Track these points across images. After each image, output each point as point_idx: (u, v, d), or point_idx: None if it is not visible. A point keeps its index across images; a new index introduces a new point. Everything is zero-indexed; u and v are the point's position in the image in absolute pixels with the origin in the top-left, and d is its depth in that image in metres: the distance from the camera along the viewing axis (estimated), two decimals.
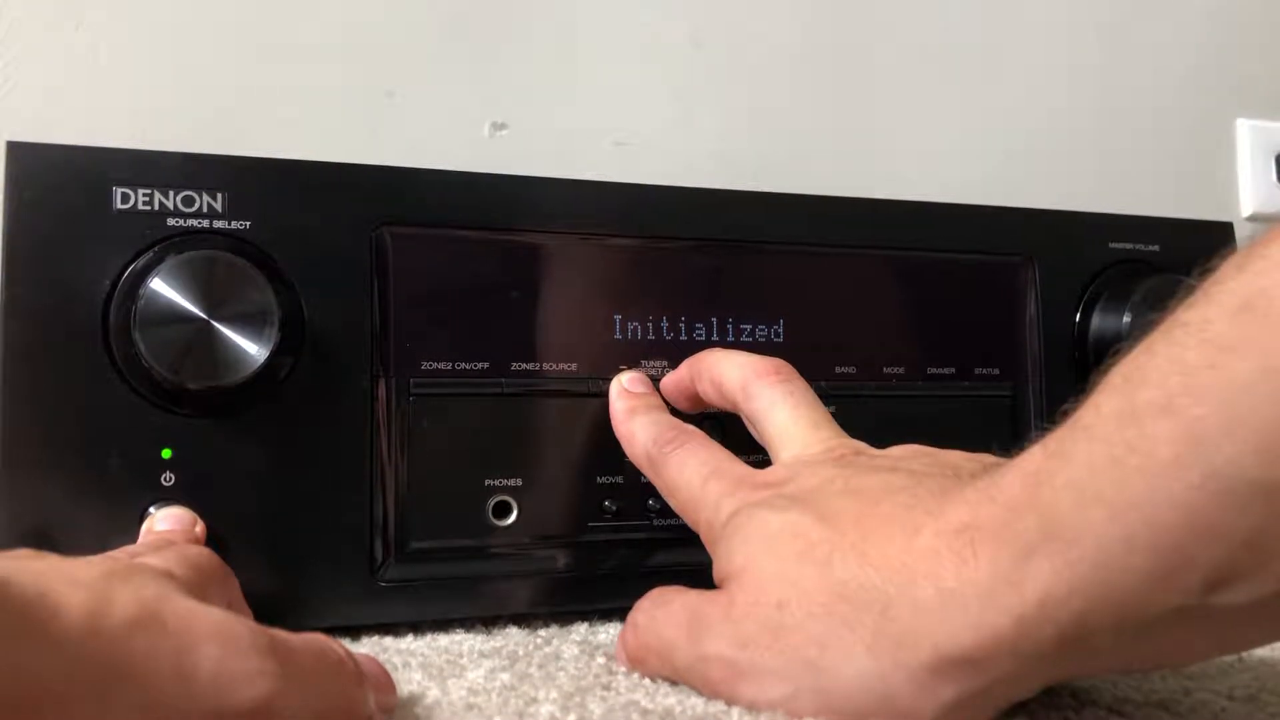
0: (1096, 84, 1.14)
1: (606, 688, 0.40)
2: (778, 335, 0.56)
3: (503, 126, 0.95)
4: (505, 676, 0.41)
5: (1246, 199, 1.18)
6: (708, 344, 0.55)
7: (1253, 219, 1.17)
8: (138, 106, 0.86)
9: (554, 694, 0.39)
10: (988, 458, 0.40)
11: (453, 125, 0.93)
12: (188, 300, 0.45)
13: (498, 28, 0.95)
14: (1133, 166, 1.14)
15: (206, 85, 0.88)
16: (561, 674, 0.42)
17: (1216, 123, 1.19)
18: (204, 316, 0.45)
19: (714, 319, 0.55)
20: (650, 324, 0.54)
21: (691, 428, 0.49)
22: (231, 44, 0.89)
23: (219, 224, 0.48)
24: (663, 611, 0.41)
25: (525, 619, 0.52)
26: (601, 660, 0.44)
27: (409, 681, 0.40)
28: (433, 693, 0.39)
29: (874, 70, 1.07)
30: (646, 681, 0.41)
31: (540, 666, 0.43)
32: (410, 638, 0.48)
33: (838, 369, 0.57)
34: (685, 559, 0.54)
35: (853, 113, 1.06)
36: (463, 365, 0.51)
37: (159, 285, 0.45)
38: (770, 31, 1.04)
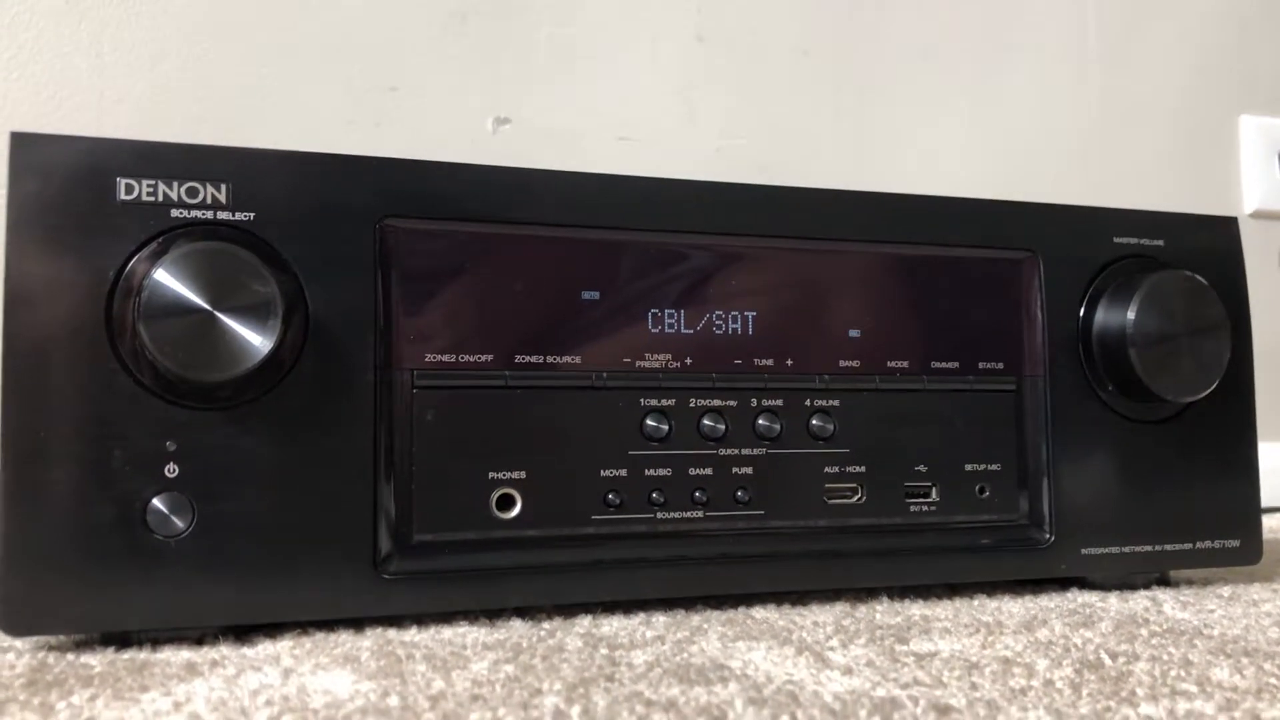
0: (1101, 81, 1.14)
1: (610, 679, 0.40)
2: (781, 329, 0.56)
3: (506, 121, 0.95)
4: (509, 668, 0.41)
5: (1250, 195, 1.18)
6: (711, 337, 0.55)
7: (1256, 215, 1.17)
8: (141, 100, 0.86)
9: (558, 685, 0.39)
10: None
11: (456, 120, 0.93)
12: (192, 292, 0.45)
13: (501, 23, 0.95)
14: (1137, 163, 1.14)
15: (210, 80, 0.88)
16: (565, 665, 0.42)
17: (1220, 119, 1.18)
18: (208, 308, 0.45)
19: (717, 312, 0.55)
20: (653, 316, 0.54)
21: None
22: (235, 39, 0.88)
23: (223, 215, 0.48)
24: None
25: (529, 611, 0.52)
26: (605, 651, 0.44)
27: (414, 674, 0.40)
28: (437, 684, 0.39)
29: (879, 64, 1.07)
30: (651, 673, 0.41)
31: (544, 658, 0.43)
32: (414, 630, 0.48)
33: (842, 363, 0.57)
34: (688, 552, 0.54)
35: (857, 106, 1.06)
36: (466, 358, 0.51)
37: (163, 277, 0.45)
38: (774, 25, 1.04)
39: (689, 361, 0.54)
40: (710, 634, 0.48)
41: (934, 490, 0.58)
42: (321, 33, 0.91)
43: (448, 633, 0.48)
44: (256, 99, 0.89)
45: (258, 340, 0.46)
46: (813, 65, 1.04)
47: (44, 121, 0.84)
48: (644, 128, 0.99)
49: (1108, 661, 0.43)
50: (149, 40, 0.87)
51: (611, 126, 0.98)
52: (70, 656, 0.44)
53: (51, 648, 0.45)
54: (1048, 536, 0.59)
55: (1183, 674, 0.41)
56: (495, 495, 0.51)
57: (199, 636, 0.47)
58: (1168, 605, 0.56)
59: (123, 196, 0.47)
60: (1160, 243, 0.62)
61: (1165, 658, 0.44)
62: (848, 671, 0.41)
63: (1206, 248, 0.63)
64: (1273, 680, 0.40)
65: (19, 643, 0.46)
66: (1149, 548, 0.60)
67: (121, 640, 0.46)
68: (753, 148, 1.02)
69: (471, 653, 0.44)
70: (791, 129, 1.03)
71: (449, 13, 0.94)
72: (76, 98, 0.85)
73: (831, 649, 0.45)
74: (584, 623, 0.50)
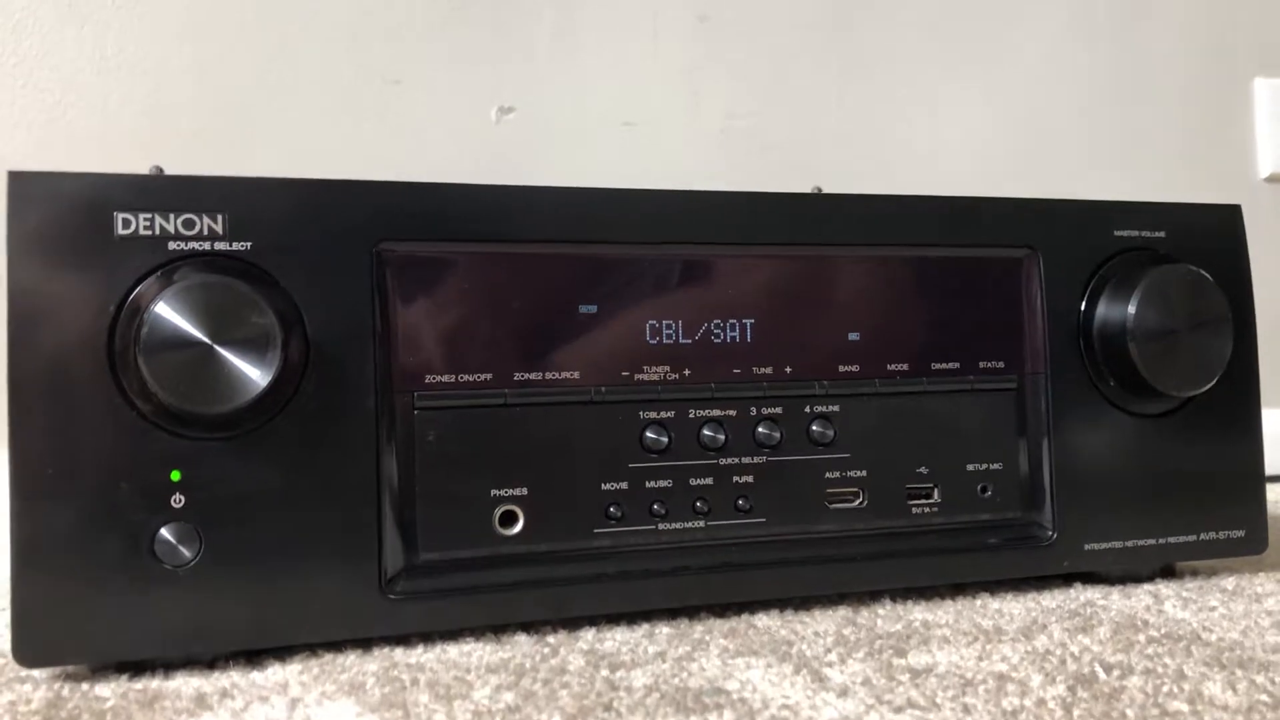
0: (1113, 46, 1.13)
1: (608, 708, 0.41)
2: (780, 335, 0.56)
3: (510, 110, 0.94)
4: (510, 696, 0.42)
5: (1265, 159, 1.16)
6: (709, 346, 0.55)
7: (1271, 179, 1.15)
8: (147, 101, 0.86)
9: (556, 716, 0.40)
10: None
11: (460, 111, 0.93)
12: (191, 326, 0.46)
13: (501, 11, 0.95)
14: (1150, 128, 1.13)
15: (214, 80, 0.88)
16: (564, 692, 0.42)
17: (1234, 83, 1.17)
18: (207, 341, 0.46)
19: (716, 321, 0.55)
20: (651, 328, 0.54)
21: None
22: (238, 37, 0.89)
23: (220, 245, 0.48)
24: None
25: (534, 625, 0.53)
26: (605, 673, 0.45)
27: (416, 704, 0.41)
28: (439, 717, 0.40)
29: (884, 39, 1.06)
30: (648, 701, 0.41)
31: (545, 683, 0.44)
32: (421, 649, 0.49)
33: (841, 368, 0.57)
34: (690, 562, 0.54)
35: (863, 84, 1.05)
36: (466, 377, 0.52)
37: (162, 310, 0.46)
38: (777, 3, 1.03)
39: (687, 373, 0.55)
40: (711, 648, 0.49)
41: (936, 491, 0.58)
42: (323, 28, 0.91)
43: (453, 651, 0.49)
44: (261, 97, 0.89)
45: (256, 373, 0.46)
46: (817, 43, 1.04)
47: (51, 127, 0.85)
48: (648, 111, 0.98)
49: (1102, 676, 0.44)
50: (151, 41, 0.87)
51: (615, 111, 0.97)
52: (84, 687, 0.45)
53: (68, 676, 0.46)
54: (1051, 533, 0.59)
55: (1175, 689, 0.42)
56: (498, 512, 0.52)
57: (210, 660, 0.48)
58: (1169, 603, 0.56)
59: (120, 231, 0.47)
60: (1162, 234, 0.62)
61: (1159, 670, 0.44)
62: (843, 693, 0.42)
63: (1209, 238, 0.63)
64: (1263, 698, 0.41)
65: (36, 673, 0.47)
66: (1153, 541, 0.60)
67: (135, 667, 0.47)
68: (757, 128, 1.01)
69: (475, 676, 0.45)
70: (796, 108, 1.03)
71: (448, 3, 0.94)
72: (82, 102, 0.85)
73: (829, 664, 0.46)
74: (588, 636, 0.51)
